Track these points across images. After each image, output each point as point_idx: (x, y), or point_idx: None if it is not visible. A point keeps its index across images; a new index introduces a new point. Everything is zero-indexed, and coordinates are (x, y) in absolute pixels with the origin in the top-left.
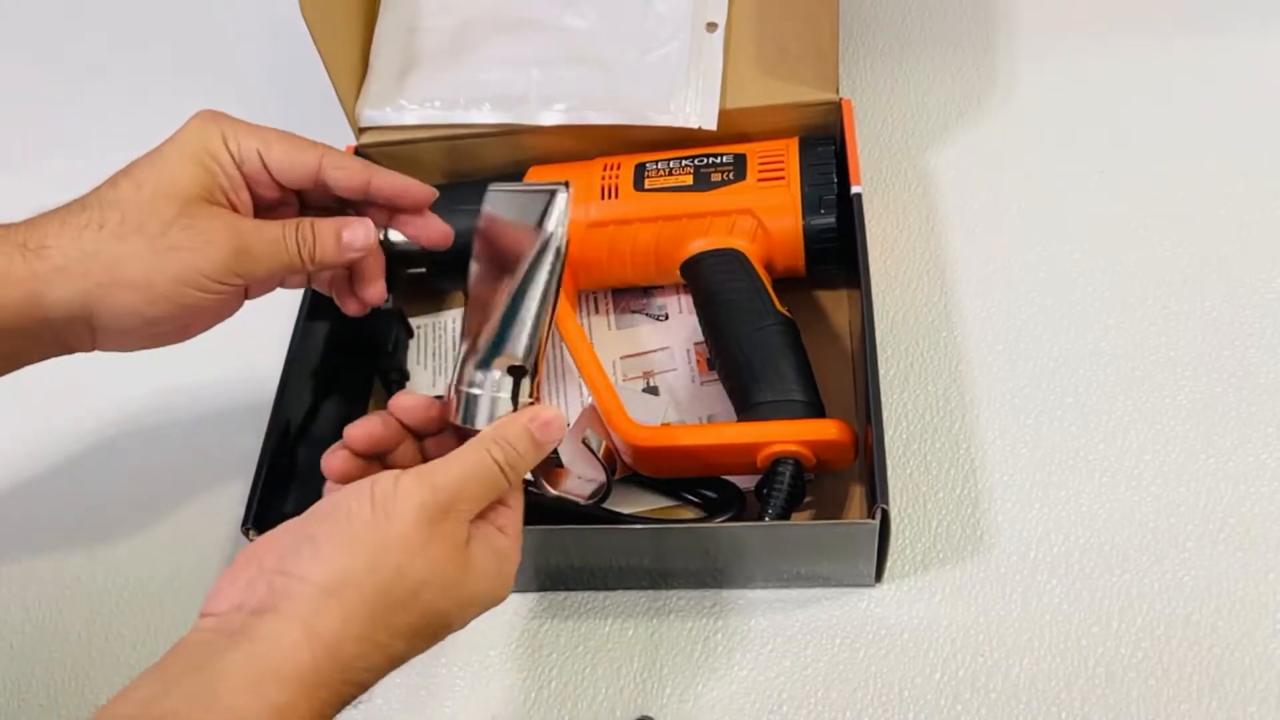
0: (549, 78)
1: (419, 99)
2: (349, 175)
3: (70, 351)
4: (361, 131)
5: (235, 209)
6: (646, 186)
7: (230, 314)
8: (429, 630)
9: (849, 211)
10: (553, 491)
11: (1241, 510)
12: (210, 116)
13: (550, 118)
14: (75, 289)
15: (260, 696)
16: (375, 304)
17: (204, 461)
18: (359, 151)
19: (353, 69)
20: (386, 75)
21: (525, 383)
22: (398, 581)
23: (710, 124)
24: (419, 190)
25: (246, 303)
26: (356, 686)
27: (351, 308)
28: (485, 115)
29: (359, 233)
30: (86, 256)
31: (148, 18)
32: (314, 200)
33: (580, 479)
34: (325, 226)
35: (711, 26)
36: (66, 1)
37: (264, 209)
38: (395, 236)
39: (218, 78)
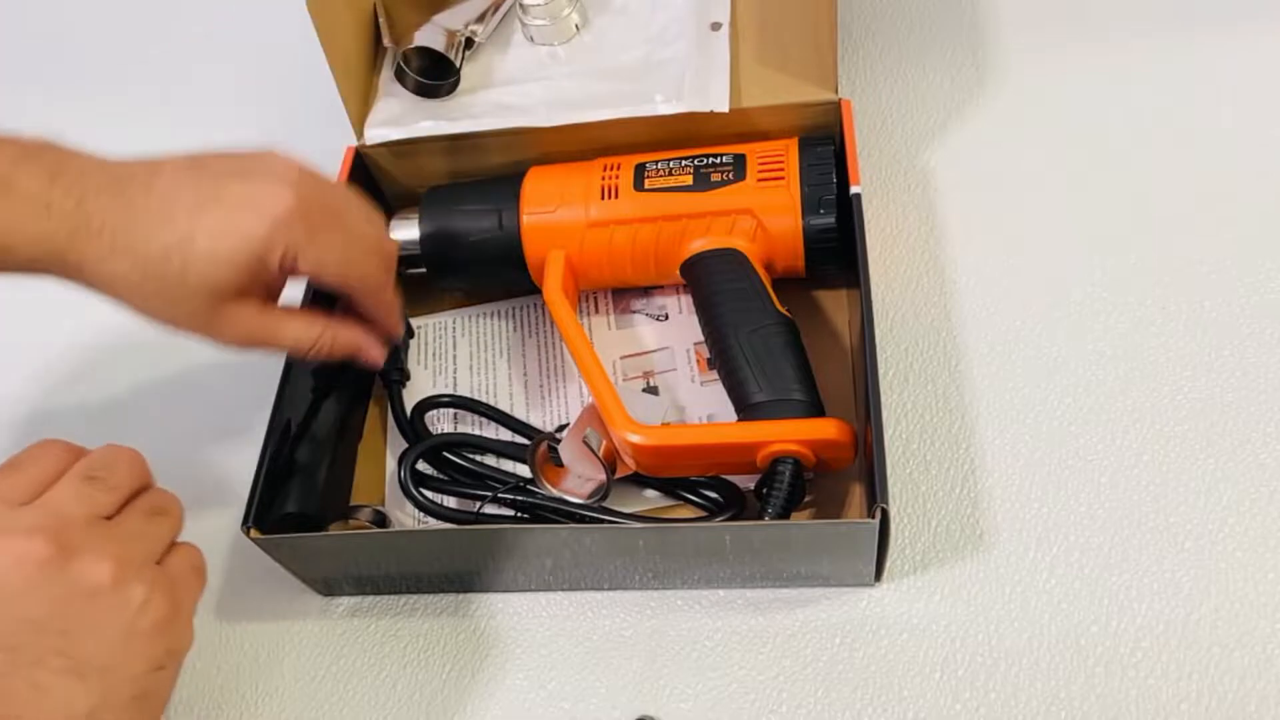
0: (559, 89)
1: (429, 118)
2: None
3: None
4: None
5: (262, 298)
6: (646, 187)
7: None
8: None
9: (849, 211)
10: (552, 491)
11: (1241, 510)
12: (286, 220)
13: (557, 118)
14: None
15: None
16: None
17: (204, 461)
18: (360, 151)
19: (357, 73)
20: (395, 102)
21: None
22: None
23: (722, 106)
24: (392, 331)
25: None
26: None
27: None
28: (493, 125)
29: (377, 358)
30: (112, 258)
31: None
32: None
33: (580, 478)
34: (346, 336)
35: (716, 26)
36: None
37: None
38: (395, 235)
39: (218, 75)
